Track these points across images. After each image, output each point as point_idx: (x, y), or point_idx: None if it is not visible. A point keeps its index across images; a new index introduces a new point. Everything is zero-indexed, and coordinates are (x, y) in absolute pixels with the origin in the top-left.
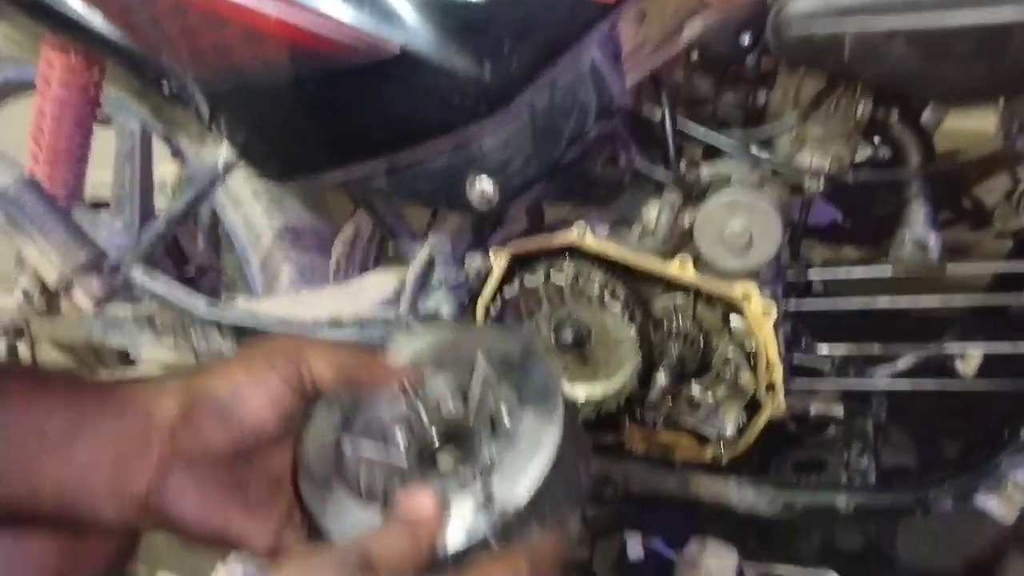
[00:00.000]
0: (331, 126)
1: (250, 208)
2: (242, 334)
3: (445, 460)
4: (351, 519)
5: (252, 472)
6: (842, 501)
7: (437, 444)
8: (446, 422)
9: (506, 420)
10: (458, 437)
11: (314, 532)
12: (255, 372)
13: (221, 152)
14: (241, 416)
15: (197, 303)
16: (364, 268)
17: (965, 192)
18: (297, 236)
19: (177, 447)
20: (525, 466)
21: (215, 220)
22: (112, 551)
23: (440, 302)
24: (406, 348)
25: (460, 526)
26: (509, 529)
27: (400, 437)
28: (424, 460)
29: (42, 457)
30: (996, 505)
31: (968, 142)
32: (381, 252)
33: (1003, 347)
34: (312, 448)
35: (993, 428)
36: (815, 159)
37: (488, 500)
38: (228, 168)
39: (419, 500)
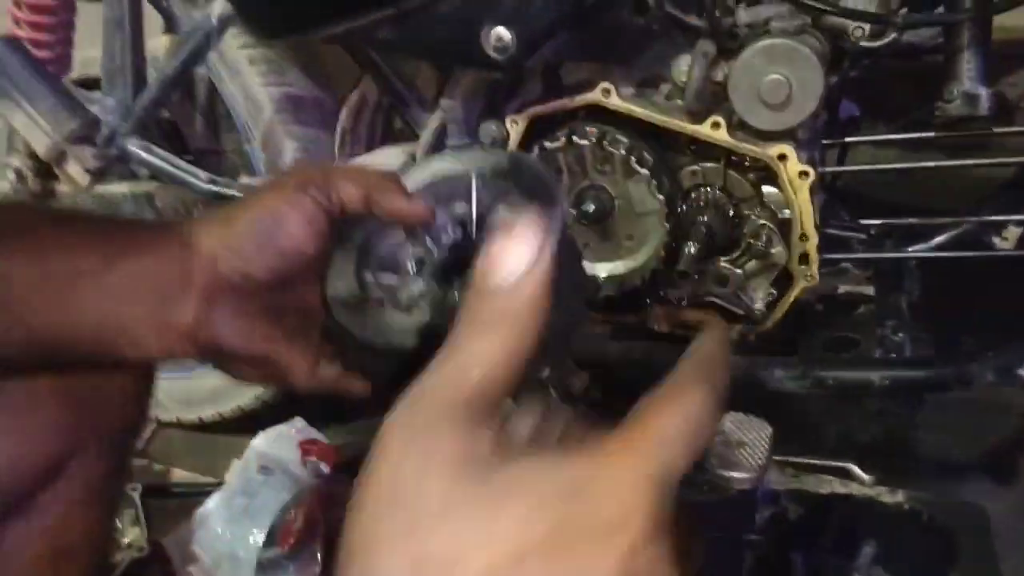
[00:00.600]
0: None
1: (248, 77)
2: None
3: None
4: (395, 324)
5: (290, 301)
6: (877, 377)
7: (447, 268)
8: (452, 248)
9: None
10: (466, 260)
11: (348, 361)
12: (290, 196)
13: (215, 6)
14: (281, 240)
15: (197, 176)
16: (371, 141)
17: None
18: (299, 107)
19: (221, 276)
20: None
21: (212, 99)
22: (130, 392)
23: None
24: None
25: None
26: None
27: (411, 267)
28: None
29: (79, 291)
30: None
31: None
32: (389, 124)
33: None
34: (336, 280)
35: None
36: (861, 1)
37: None
38: (223, 23)
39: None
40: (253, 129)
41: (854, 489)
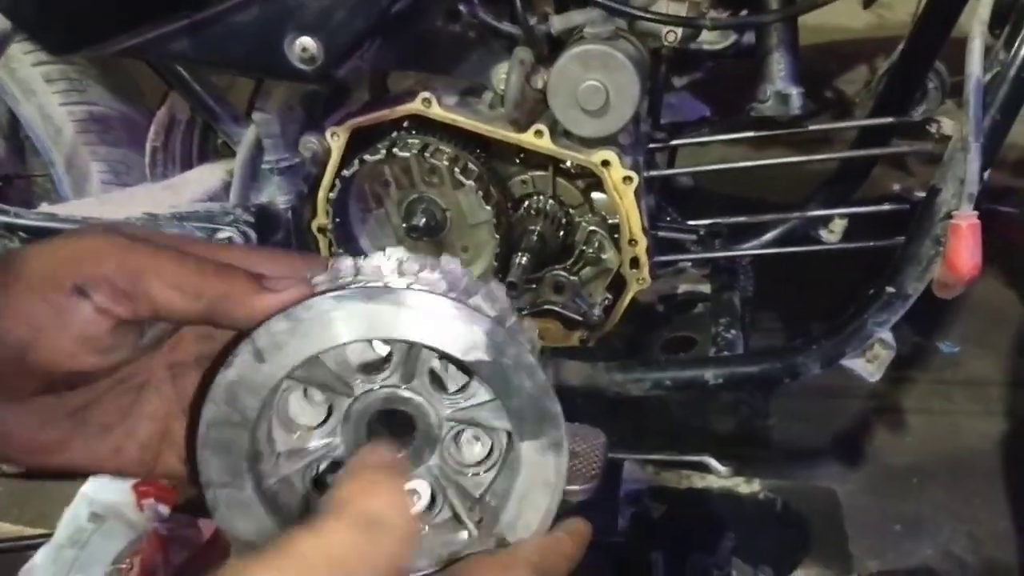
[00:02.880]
0: None
1: (44, 96)
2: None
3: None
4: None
5: (94, 395)
6: (710, 375)
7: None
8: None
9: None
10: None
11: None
12: (56, 302)
13: None
14: (42, 360)
15: None
16: (186, 161)
17: (827, 84)
18: (105, 126)
19: None
20: (534, 511)
21: (15, 121)
22: None
23: (274, 193)
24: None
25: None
26: None
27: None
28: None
29: None
30: (863, 365)
31: None
32: (207, 142)
33: (864, 210)
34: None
35: (858, 289)
36: (671, 5)
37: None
38: (2, 39)
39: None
40: (55, 151)
41: (712, 482)
